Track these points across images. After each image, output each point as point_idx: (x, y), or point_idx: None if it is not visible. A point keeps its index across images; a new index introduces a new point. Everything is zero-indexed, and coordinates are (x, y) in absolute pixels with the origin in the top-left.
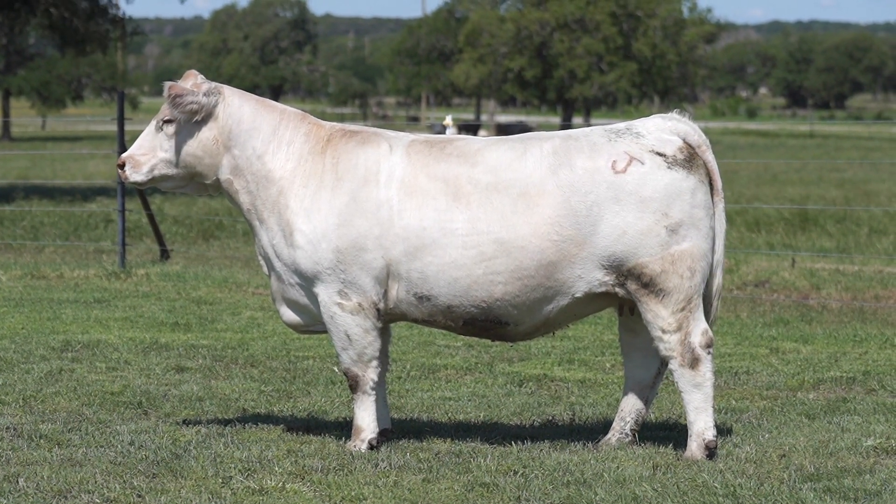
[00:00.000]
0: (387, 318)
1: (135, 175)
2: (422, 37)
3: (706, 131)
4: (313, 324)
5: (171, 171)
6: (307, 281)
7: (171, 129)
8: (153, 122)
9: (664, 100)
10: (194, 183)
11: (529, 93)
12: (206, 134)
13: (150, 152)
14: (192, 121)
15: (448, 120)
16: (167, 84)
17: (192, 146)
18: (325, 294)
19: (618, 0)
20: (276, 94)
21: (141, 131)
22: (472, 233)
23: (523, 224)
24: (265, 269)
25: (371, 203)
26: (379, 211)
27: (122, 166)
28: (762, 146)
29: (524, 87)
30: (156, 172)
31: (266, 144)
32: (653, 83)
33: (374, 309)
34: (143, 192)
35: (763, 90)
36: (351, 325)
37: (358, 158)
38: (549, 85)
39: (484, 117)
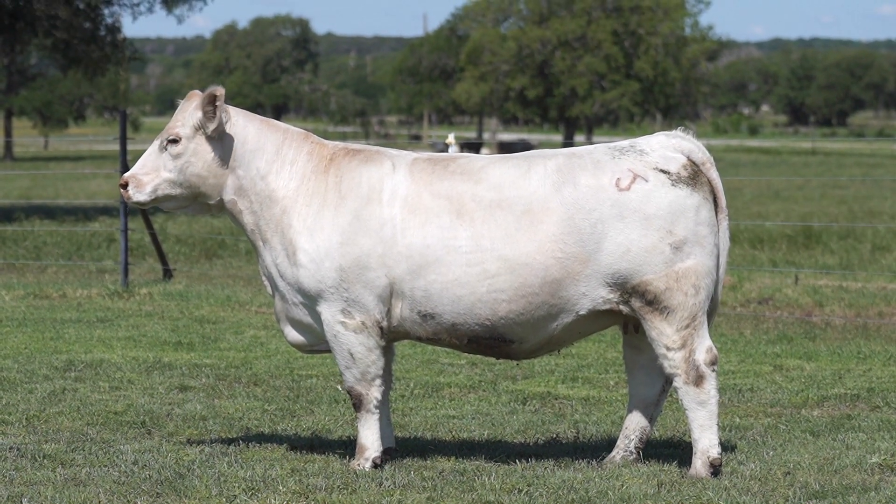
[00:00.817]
0: (391, 337)
1: (138, 195)
2: (423, 55)
3: (708, 149)
4: (317, 343)
5: (175, 191)
6: (310, 300)
7: (175, 148)
8: (156, 142)
9: (666, 117)
10: (197, 203)
11: (531, 111)
12: (212, 154)
13: (153, 172)
14: (206, 136)
15: (450, 138)
16: (213, 87)
17: (197, 166)
18: (329, 313)
19: (619, 18)
20: (278, 112)
21: (143, 151)
22: (476, 250)
23: (527, 241)
24: (269, 289)
25: (374, 221)
26: (382, 229)
27: (124, 186)
28: (764, 163)
29: (526, 106)
30: (159, 192)
31: (270, 164)
32: (655, 101)
33: (378, 327)
34: (146, 211)
35: (765, 107)
36: (354, 344)
37: (361, 177)
38: (551, 103)
39: (486, 135)
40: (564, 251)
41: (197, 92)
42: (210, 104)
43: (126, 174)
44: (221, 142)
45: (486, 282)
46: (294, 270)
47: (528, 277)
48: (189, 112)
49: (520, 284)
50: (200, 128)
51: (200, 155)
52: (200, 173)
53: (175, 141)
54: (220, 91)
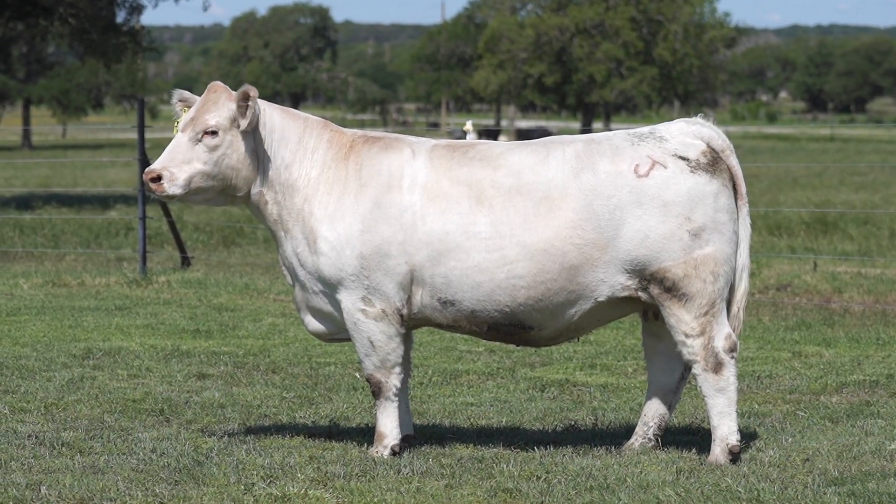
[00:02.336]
0: (411, 324)
1: (172, 188)
2: (441, 43)
3: (726, 135)
4: (338, 332)
5: (208, 183)
6: (331, 288)
7: (213, 140)
8: (183, 134)
9: (685, 104)
10: (223, 195)
11: (549, 98)
12: (247, 146)
13: (185, 164)
14: (244, 130)
15: (468, 126)
16: (246, 86)
17: (233, 158)
18: (349, 301)
19: (637, 5)
20: (296, 101)
21: (161, 139)
22: (495, 236)
23: (545, 227)
24: (289, 279)
25: (395, 209)
26: (402, 216)
27: (156, 179)
28: (782, 150)
29: (544, 93)
30: (193, 185)
31: (293, 154)
32: (673, 87)
33: (398, 315)
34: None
35: (783, 94)
36: (374, 332)
37: (381, 164)
38: (569, 90)
39: (504, 123)
40: (583, 237)
41: (219, 84)
42: (244, 101)
43: (156, 166)
44: (254, 134)
45: (505, 268)
46: (314, 259)
47: (546, 263)
48: (223, 104)
49: (538, 270)
50: (237, 120)
51: (236, 147)
52: (235, 165)
53: (213, 133)
54: (253, 91)
